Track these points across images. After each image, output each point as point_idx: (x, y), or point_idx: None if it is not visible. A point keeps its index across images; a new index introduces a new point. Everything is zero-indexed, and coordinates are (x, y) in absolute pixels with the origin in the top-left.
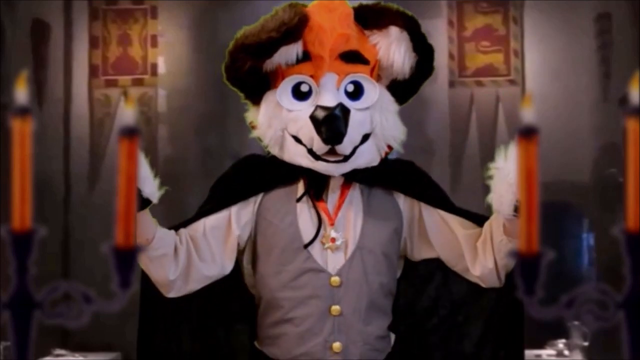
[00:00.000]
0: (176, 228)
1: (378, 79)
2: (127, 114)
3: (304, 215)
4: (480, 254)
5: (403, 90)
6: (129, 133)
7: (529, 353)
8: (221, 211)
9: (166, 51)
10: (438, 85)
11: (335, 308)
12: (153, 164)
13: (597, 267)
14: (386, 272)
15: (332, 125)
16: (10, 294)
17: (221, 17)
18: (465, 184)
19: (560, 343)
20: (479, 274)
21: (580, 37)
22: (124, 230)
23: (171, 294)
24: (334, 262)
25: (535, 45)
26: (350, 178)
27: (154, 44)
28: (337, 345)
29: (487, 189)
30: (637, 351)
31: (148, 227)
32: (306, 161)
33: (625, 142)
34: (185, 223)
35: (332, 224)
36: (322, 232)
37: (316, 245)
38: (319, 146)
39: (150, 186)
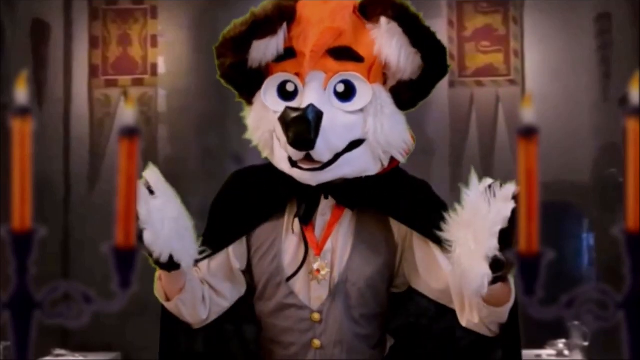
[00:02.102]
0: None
1: (384, 78)
2: (127, 114)
3: (290, 244)
4: (466, 305)
5: (411, 92)
6: (129, 133)
7: (529, 353)
8: (220, 253)
9: (166, 51)
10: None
11: (316, 342)
12: (153, 164)
13: (597, 267)
14: (370, 303)
15: (298, 128)
16: (10, 294)
17: (221, 17)
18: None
19: (560, 343)
20: (465, 324)
21: (580, 37)
22: (124, 230)
23: (197, 327)
24: (317, 293)
25: (535, 45)
26: (342, 202)
27: (154, 44)
28: None
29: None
30: (637, 351)
31: (180, 279)
32: (287, 167)
33: (625, 142)
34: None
35: (318, 254)
36: (307, 262)
37: (301, 275)
38: (292, 151)
39: (188, 260)
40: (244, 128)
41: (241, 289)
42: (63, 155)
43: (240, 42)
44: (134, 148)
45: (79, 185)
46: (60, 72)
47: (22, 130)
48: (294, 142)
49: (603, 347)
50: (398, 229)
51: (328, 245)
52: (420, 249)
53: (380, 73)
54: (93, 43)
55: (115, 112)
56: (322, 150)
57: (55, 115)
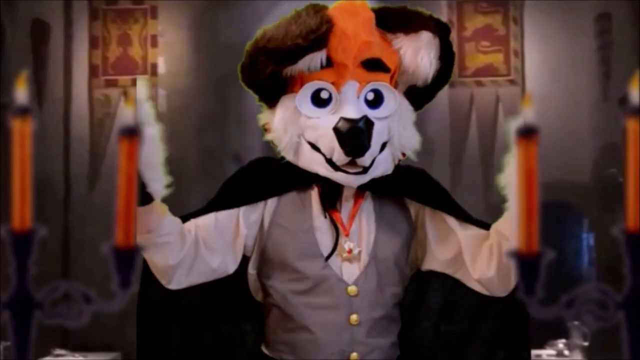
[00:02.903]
0: (186, 218)
1: (395, 85)
2: (127, 114)
3: (319, 225)
4: (484, 257)
5: (420, 96)
6: (129, 133)
7: None
8: (231, 209)
9: (166, 51)
10: None
11: (354, 317)
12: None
13: (597, 267)
14: (397, 283)
15: (356, 139)
16: (10, 294)
17: (221, 17)
18: (465, 184)
19: (560, 343)
20: (478, 277)
21: (580, 37)
22: (124, 230)
23: (172, 285)
24: (349, 272)
25: (535, 45)
26: (363, 187)
27: (154, 44)
28: (354, 355)
29: (487, 189)
30: (637, 351)
31: (152, 218)
32: (324, 170)
33: (625, 142)
34: (195, 214)
35: (347, 235)
36: (338, 244)
37: (332, 257)
38: (340, 157)
39: (158, 185)
40: (244, 128)
41: (231, 264)
42: (63, 155)
43: (295, 54)
44: (134, 148)
45: (79, 185)
46: (60, 72)
47: (22, 130)
48: (351, 152)
49: (603, 347)
50: (413, 207)
51: (354, 226)
52: (433, 221)
53: (396, 80)
54: (93, 43)
55: (115, 112)
56: (367, 156)
57: (55, 115)
